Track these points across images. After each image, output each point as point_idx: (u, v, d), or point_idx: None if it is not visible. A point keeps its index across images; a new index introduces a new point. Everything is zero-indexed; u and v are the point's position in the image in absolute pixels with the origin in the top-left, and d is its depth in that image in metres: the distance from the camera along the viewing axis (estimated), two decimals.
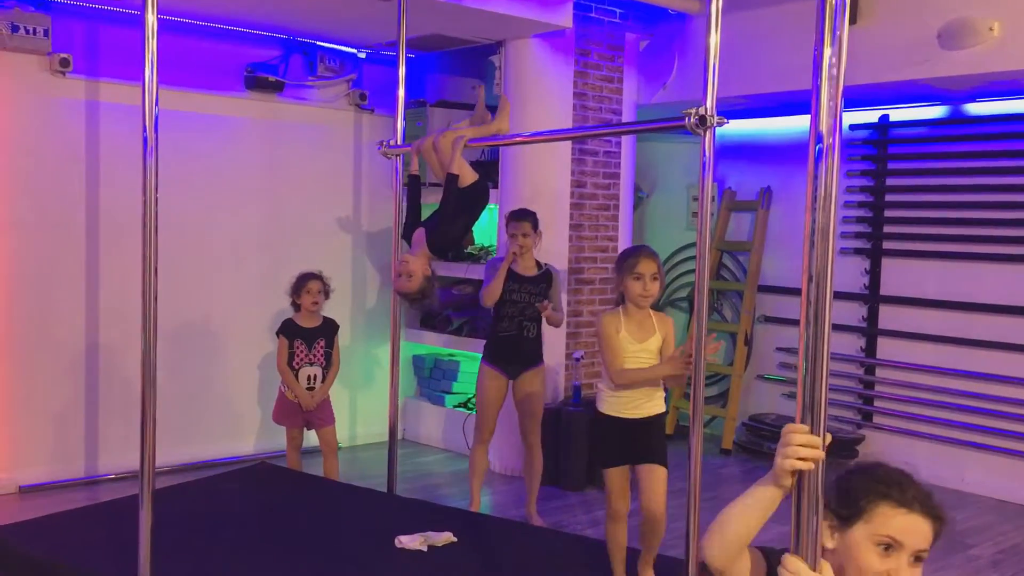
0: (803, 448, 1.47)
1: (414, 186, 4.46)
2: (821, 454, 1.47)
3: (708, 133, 2.94)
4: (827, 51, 1.27)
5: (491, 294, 4.93)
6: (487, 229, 6.55)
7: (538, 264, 5.02)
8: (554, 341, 6.11)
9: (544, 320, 4.93)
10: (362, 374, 6.85)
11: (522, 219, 4.96)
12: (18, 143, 5.45)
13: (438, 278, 5.08)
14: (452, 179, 4.05)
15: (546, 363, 5.46)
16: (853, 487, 1.71)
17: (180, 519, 3.95)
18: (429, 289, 4.15)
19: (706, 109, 2.91)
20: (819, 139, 1.29)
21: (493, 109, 6.60)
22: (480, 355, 5.14)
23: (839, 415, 6.63)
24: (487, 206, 4.36)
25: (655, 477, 3.61)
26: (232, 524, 4.10)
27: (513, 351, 4.94)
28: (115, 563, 3.38)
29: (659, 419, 3.74)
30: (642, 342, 3.60)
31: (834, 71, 1.26)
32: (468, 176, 4.08)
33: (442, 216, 4.08)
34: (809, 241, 1.35)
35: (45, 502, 5.09)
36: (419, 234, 4.12)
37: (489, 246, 6.48)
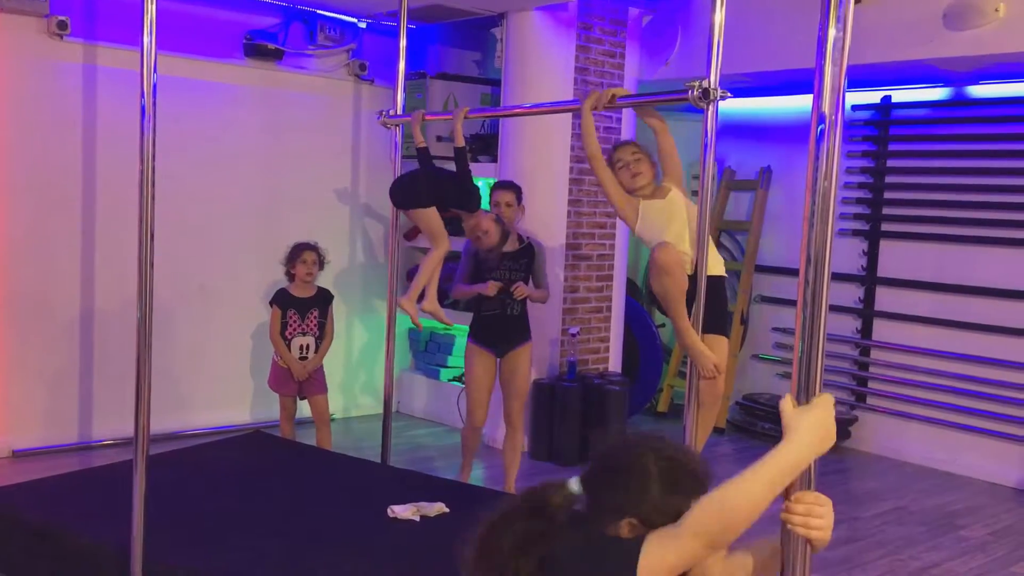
0: (817, 519, 1.46)
1: (426, 158, 4.57)
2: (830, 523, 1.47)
3: (711, 107, 2.91)
4: (832, 30, 1.26)
5: (459, 296, 5.07)
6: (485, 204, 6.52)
7: (520, 238, 4.90)
8: (550, 317, 6.11)
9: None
10: (358, 346, 6.86)
11: (506, 188, 4.92)
12: (14, 107, 5.41)
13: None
14: (462, 152, 4.49)
15: (534, 340, 5.41)
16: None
17: (173, 485, 3.95)
18: (505, 231, 4.68)
19: (709, 82, 2.89)
20: (821, 119, 1.28)
21: (494, 82, 6.57)
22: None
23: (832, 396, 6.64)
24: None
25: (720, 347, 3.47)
26: (225, 492, 4.12)
27: (498, 330, 4.83)
28: (108, 527, 3.38)
29: (718, 282, 3.49)
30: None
31: (839, 50, 1.25)
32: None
33: (463, 184, 4.62)
34: (808, 222, 1.34)
35: (38, 467, 5.10)
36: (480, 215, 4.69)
37: None
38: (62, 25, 5.41)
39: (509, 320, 4.81)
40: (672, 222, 3.52)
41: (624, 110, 6.50)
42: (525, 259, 4.85)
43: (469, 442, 4.99)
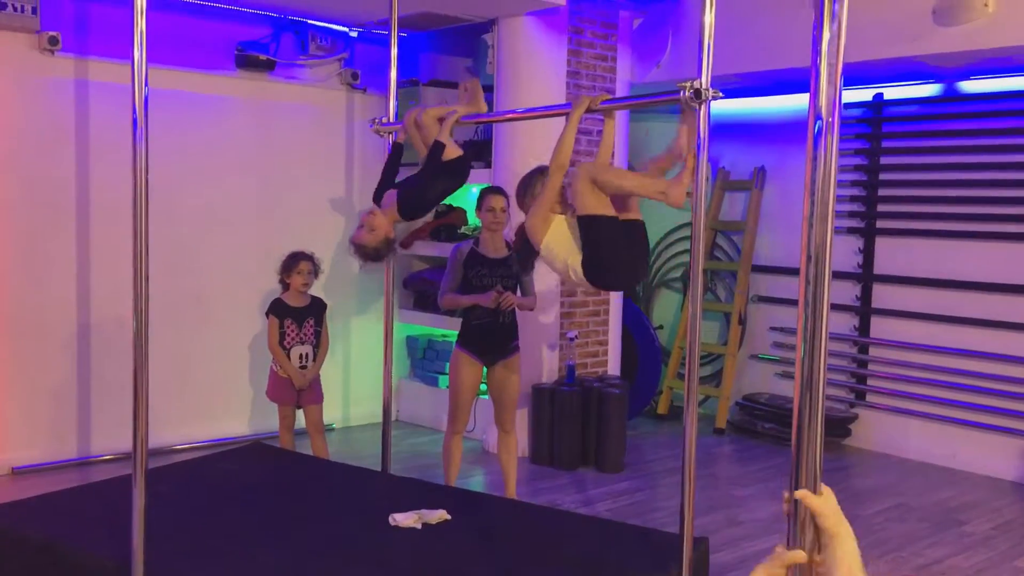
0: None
1: (396, 153, 4.40)
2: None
3: (703, 107, 2.91)
4: (826, 27, 1.25)
5: (450, 306, 4.90)
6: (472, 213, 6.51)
7: (508, 245, 4.82)
8: (548, 321, 6.11)
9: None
10: (355, 355, 6.85)
11: (500, 193, 4.82)
12: (6, 123, 5.40)
13: (429, 259, 4.97)
14: (439, 147, 3.94)
15: (533, 344, 5.36)
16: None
17: (174, 498, 3.94)
18: (385, 250, 4.05)
19: (701, 83, 2.88)
20: (818, 117, 1.28)
21: (486, 88, 6.57)
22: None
23: (833, 394, 6.65)
24: (464, 184, 4.25)
25: None
26: (226, 503, 4.10)
27: (487, 339, 4.76)
28: (109, 542, 3.37)
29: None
30: None
31: (833, 48, 1.24)
32: (452, 151, 4.03)
33: (420, 181, 3.99)
34: (808, 221, 1.34)
35: (38, 483, 5.08)
36: (390, 195, 4.02)
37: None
38: (53, 40, 5.41)
39: (500, 329, 4.76)
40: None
41: (619, 116, 6.51)
42: (515, 266, 4.78)
43: (453, 454, 4.89)
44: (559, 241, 3.53)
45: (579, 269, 3.45)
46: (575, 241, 3.48)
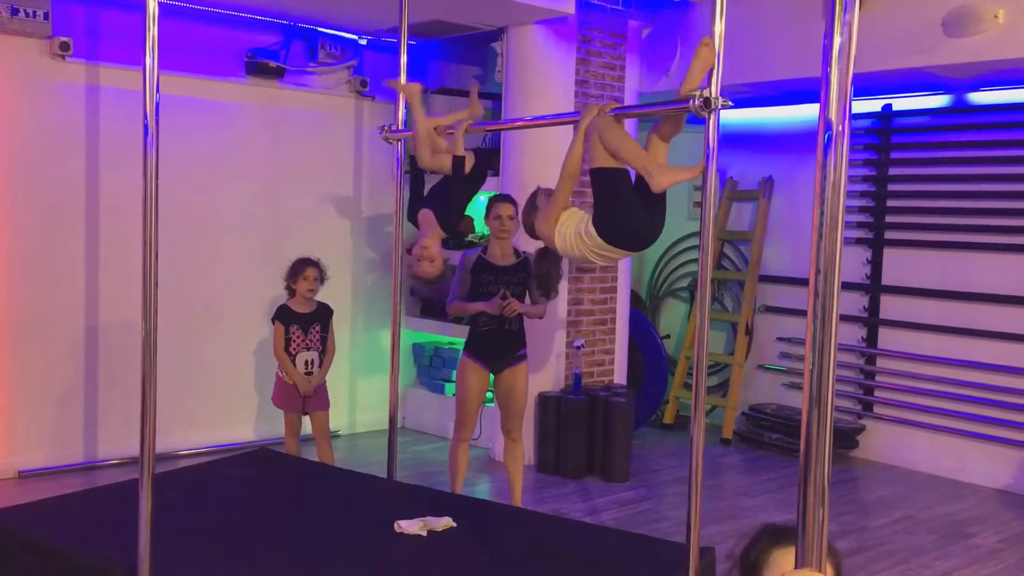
0: None
1: (417, 168, 4.45)
2: None
3: (712, 116, 2.91)
4: (837, 38, 1.25)
5: (457, 313, 4.92)
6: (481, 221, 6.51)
7: (516, 252, 4.83)
8: (554, 330, 6.11)
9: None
10: (362, 362, 6.85)
11: (509, 201, 4.83)
12: (17, 127, 5.43)
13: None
14: (460, 161, 4.06)
15: (540, 353, 5.34)
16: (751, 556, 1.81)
17: (180, 503, 3.94)
18: (446, 272, 4.25)
19: (711, 92, 2.88)
20: (828, 127, 1.28)
21: (495, 97, 6.59)
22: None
23: (840, 405, 6.62)
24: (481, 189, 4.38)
25: None
26: (231, 509, 4.10)
27: (494, 346, 4.75)
28: (115, 546, 3.37)
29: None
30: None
31: (844, 58, 1.24)
32: (469, 161, 4.14)
33: (450, 194, 4.13)
34: (817, 232, 1.34)
35: (44, 487, 5.09)
36: (427, 215, 4.12)
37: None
38: (64, 46, 5.43)
39: (506, 336, 4.74)
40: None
41: (628, 125, 6.50)
42: (522, 273, 4.78)
43: (460, 462, 4.89)
44: (568, 221, 3.55)
45: (591, 228, 3.40)
46: (587, 214, 3.48)
